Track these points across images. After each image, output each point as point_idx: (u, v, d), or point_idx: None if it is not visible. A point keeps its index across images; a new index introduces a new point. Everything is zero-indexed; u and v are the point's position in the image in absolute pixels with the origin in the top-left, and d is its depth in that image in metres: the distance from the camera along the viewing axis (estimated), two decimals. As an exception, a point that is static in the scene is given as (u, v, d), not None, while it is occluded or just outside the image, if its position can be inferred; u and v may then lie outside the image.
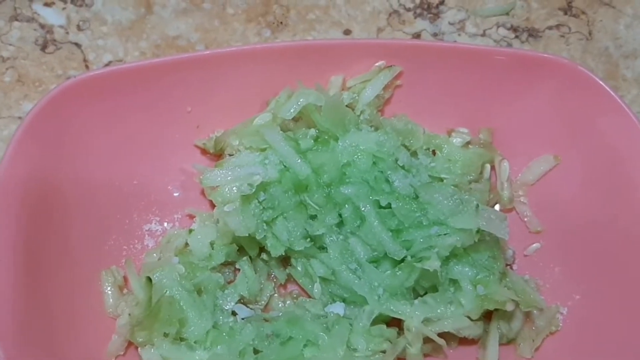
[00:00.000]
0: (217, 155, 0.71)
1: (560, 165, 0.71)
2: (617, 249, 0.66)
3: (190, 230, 0.68)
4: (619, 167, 0.67)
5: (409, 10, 0.80)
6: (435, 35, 0.79)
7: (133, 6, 0.79)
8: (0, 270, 0.60)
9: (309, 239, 0.65)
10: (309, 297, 0.68)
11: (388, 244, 0.64)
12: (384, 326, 0.64)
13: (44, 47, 0.77)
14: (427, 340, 0.64)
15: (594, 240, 0.68)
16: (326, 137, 0.67)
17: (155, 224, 0.70)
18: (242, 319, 0.66)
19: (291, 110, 0.67)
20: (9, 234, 0.61)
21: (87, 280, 0.66)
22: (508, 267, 0.69)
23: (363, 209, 0.64)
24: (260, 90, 0.71)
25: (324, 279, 0.66)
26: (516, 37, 0.79)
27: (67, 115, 0.65)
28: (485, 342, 0.66)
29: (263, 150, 0.66)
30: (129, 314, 0.64)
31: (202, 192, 0.70)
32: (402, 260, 0.64)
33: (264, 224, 0.65)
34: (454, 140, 0.71)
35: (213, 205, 0.68)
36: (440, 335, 0.63)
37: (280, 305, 0.68)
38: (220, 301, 0.66)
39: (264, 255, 0.68)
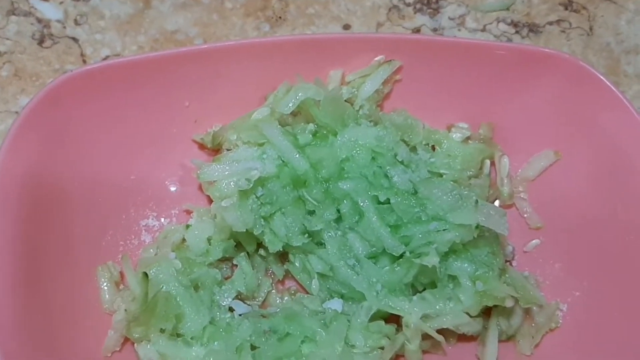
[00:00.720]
0: (214, 150, 0.71)
1: (561, 161, 0.70)
2: (618, 246, 0.66)
3: (188, 226, 0.67)
4: (620, 163, 0.66)
5: (408, 5, 0.79)
6: (435, 30, 0.78)
7: (131, 0, 0.78)
8: None
9: (307, 235, 0.65)
10: (307, 293, 0.68)
11: (387, 239, 0.63)
12: (383, 322, 0.64)
13: (41, 42, 0.76)
14: (425, 336, 0.64)
15: (595, 237, 0.67)
16: (325, 132, 0.66)
17: (152, 219, 0.70)
18: (240, 315, 0.65)
19: (289, 105, 0.66)
20: (6, 228, 0.61)
21: (84, 276, 0.66)
22: (507, 263, 0.69)
23: (362, 204, 0.64)
24: (258, 84, 0.70)
25: (322, 275, 0.66)
26: (516, 32, 0.79)
27: (63, 109, 0.65)
28: (485, 338, 0.65)
29: (261, 145, 0.66)
30: (125, 310, 0.63)
31: (200, 188, 0.70)
32: (401, 256, 0.64)
33: (262, 220, 0.64)
34: (454, 136, 0.70)
35: (210, 201, 0.68)
36: (439, 331, 0.63)
37: (277, 301, 0.68)
38: (218, 297, 0.65)
39: (261, 251, 0.68)
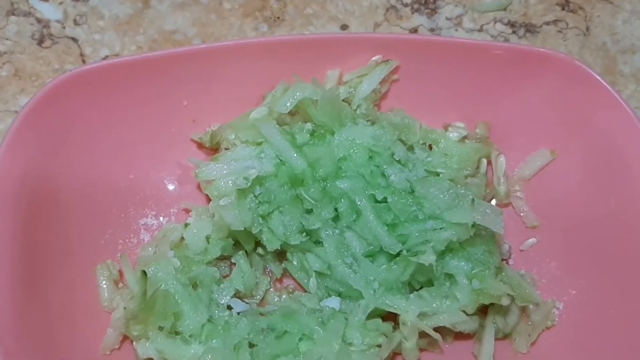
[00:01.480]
0: (213, 149, 0.71)
1: (557, 160, 0.70)
2: (614, 244, 0.66)
3: (186, 225, 0.68)
4: (616, 162, 0.67)
5: (406, 5, 0.79)
6: (432, 30, 0.78)
7: (130, 0, 0.78)
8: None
9: (304, 233, 0.65)
10: (305, 291, 0.68)
11: (384, 238, 0.64)
12: (380, 320, 0.64)
13: (40, 42, 0.77)
14: (422, 334, 0.64)
15: (591, 235, 0.68)
16: (322, 131, 0.66)
17: (151, 218, 0.70)
18: (238, 313, 0.66)
19: (287, 104, 0.67)
20: (5, 227, 0.61)
21: (83, 275, 0.66)
22: (504, 261, 0.69)
23: (359, 203, 0.64)
24: (256, 84, 0.70)
25: (319, 273, 0.66)
26: (513, 32, 0.79)
27: (62, 109, 0.65)
28: (481, 336, 0.66)
29: (259, 144, 0.66)
30: (124, 308, 0.64)
31: (198, 186, 0.71)
32: (398, 254, 0.64)
33: (260, 218, 0.65)
34: (451, 135, 0.70)
35: (209, 200, 0.68)
36: (436, 329, 0.63)
37: (276, 299, 0.69)
38: (216, 295, 0.65)
39: (259, 250, 0.68)
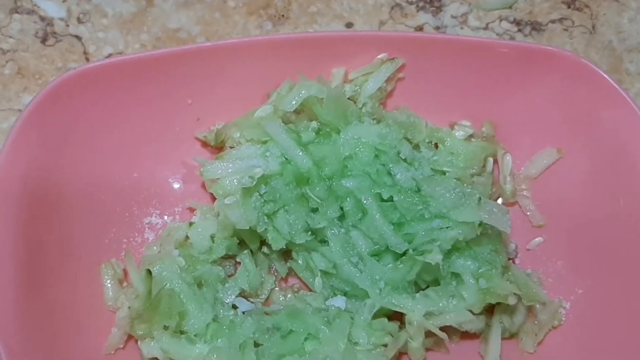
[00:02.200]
0: (218, 147, 0.70)
1: (564, 159, 0.70)
2: (621, 243, 0.66)
3: (191, 224, 0.67)
4: (622, 161, 0.66)
5: (411, 3, 0.79)
6: (437, 28, 0.78)
7: (134, -2, 0.79)
8: (0, 264, 0.59)
9: (310, 232, 0.65)
10: (310, 290, 0.68)
11: (390, 237, 0.63)
12: (386, 320, 0.64)
13: (44, 40, 0.76)
14: (429, 334, 0.63)
15: (597, 235, 0.67)
16: (328, 130, 0.66)
17: (155, 217, 0.70)
18: (243, 312, 0.65)
19: (292, 103, 0.66)
20: (9, 226, 0.61)
21: (87, 274, 0.65)
22: (510, 261, 0.69)
23: (365, 202, 0.64)
24: (261, 82, 0.70)
25: (325, 273, 0.66)
26: (519, 30, 0.79)
27: (66, 107, 0.65)
28: (488, 336, 0.65)
29: (264, 142, 0.66)
30: (129, 307, 0.63)
31: (203, 185, 0.70)
32: (404, 253, 0.64)
33: (265, 217, 0.64)
34: (457, 134, 0.70)
35: (214, 199, 0.68)
36: (442, 329, 0.63)
37: (281, 298, 0.68)
38: (221, 294, 0.65)
39: (264, 249, 0.68)
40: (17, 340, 0.58)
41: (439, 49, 0.69)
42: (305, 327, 0.63)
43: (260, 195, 0.64)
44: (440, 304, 0.63)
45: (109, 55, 0.76)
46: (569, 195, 0.69)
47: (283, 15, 0.78)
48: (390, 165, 0.65)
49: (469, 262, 0.63)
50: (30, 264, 0.61)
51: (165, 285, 0.62)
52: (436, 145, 0.71)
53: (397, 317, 0.65)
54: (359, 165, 0.65)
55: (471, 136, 0.71)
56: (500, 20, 0.79)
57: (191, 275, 0.64)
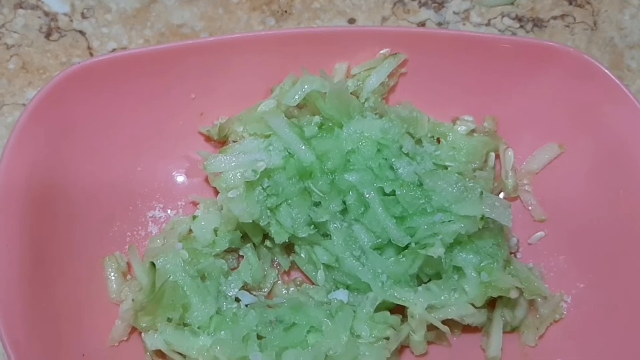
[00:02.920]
0: (221, 142, 0.70)
1: (565, 154, 0.70)
2: (622, 238, 0.66)
3: (194, 217, 0.67)
4: (624, 156, 0.66)
5: (413, -1, 0.79)
6: (439, 24, 0.78)
7: (137, -6, 0.79)
8: (5, 257, 0.60)
9: (312, 226, 0.65)
10: (313, 284, 0.68)
11: (392, 230, 0.63)
12: (388, 313, 0.64)
13: (48, 35, 0.76)
14: (430, 327, 0.64)
15: (599, 229, 0.67)
16: (330, 124, 0.66)
17: (159, 210, 0.70)
18: (246, 305, 0.65)
19: (295, 97, 0.66)
20: (14, 220, 0.61)
21: (91, 267, 0.66)
22: (512, 255, 0.69)
23: (367, 195, 0.64)
24: (264, 77, 0.70)
25: (327, 266, 0.66)
26: (521, 26, 0.79)
27: (70, 102, 0.65)
28: (489, 329, 0.66)
29: (267, 136, 0.66)
30: (133, 300, 0.64)
31: (206, 179, 0.70)
32: (406, 247, 0.64)
33: (268, 211, 0.64)
34: (459, 128, 0.70)
35: (217, 192, 0.68)
36: (444, 322, 0.63)
37: (283, 292, 0.68)
38: (224, 287, 0.65)
39: (267, 242, 0.68)
40: (22, 333, 0.58)
41: (441, 44, 0.69)
42: (307, 319, 0.63)
43: (263, 189, 0.64)
44: (442, 297, 0.63)
45: (113, 51, 0.76)
46: (570, 190, 0.69)
47: (286, 11, 0.78)
48: (393, 160, 0.65)
49: (471, 256, 0.63)
50: (34, 259, 0.61)
51: (169, 277, 0.62)
52: (438, 140, 0.71)
53: (399, 310, 0.65)
54: (362, 159, 0.65)
55: (473, 131, 0.70)
56: (502, 17, 0.79)
57: (194, 268, 0.64)
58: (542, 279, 0.68)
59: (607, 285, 0.66)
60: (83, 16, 0.77)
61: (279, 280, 0.69)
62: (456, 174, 0.65)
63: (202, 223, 0.66)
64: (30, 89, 0.74)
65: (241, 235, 0.67)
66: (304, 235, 0.65)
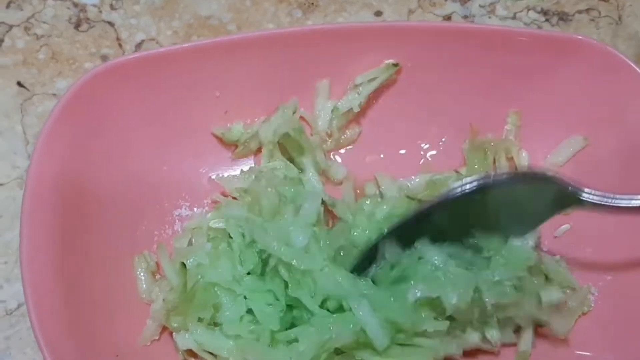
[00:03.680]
0: (233, 144, 0.69)
1: (590, 147, 0.67)
2: (648, 229, 0.62)
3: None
4: (649, 149, 0.62)
5: (439, -8, 0.78)
6: (465, 17, 0.76)
7: (165, -15, 0.75)
8: (39, 255, 0.57)
9: None
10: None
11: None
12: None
13: (77, 26, 0.74)
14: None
15: (624, 220, 0.64)
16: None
17: (185, 209, 0.67)
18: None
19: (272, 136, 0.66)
20: (44, 218, 0.58)
21: (121, 266, 0.63)
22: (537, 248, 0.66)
23: None
24: (289, 73, 0.67)
25: None
26: (546, 20, 0.77)
27: (98, 100, 0.62)
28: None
29: None
30: (163, 300, 0.60)
31: (231, 177, 0.67)
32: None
33: None
34: None
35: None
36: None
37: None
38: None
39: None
40: (56, 333, 0.55)
41: (465, 38, 0.66)
42: None
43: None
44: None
45: (141, 42, 0.73)
46: (595, 183, 0.69)
47: (312, 3, 0.77)
48: None
49: None
50: (66, 258, 0.58)
51: (200, 279, 0.59)
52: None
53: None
54: None
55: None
56: (528, 10, 0.77)
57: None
58: (569, 271, 0.65)
59: (634, 277, 0.63)
60: (112, 7, 0.75)
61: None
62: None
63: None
64: (60, 79, 0.71)
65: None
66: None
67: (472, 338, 0.61)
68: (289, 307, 0.59)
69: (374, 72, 0.68)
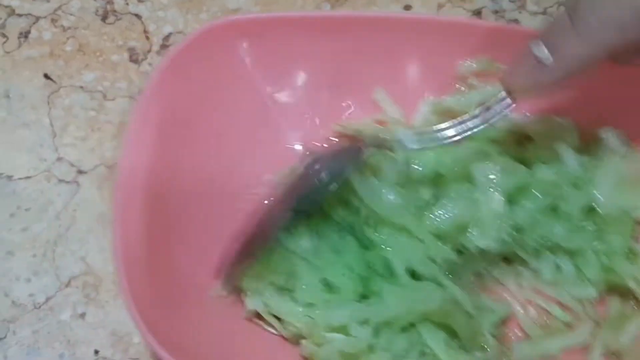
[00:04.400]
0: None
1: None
2: None
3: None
4: None
5: (470, -14, 0.77)
6: (495, 12, 0.75)
7: (193, -22, 0.73)
8: (131, 244, 0.55)
9: None
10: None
11: None
12: None
13: (104, 18, 0.73)
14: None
15: None
16: None
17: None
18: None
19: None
20: (136, 207, 0.56)
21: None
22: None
23: None
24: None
25: None
26: (577, 16, 0.77)
27: (182, 87, 0.61)
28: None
29: None
30: None
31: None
32: None
33: None
34: None
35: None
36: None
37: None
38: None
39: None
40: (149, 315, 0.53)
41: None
42: None
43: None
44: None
45: (169, 35, 0.72)
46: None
47: (342, -5, 0.76)
48: None
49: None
50: (155, 244, 0.57)
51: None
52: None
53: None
54: None
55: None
56: (558, 5, 0.76)
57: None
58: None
59: None
60: (139, 0, 0.75)
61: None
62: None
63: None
64: (87, 71, 0.69)
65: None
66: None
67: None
68: (364, 279, 0.57)
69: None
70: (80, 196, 0.66)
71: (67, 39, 0.71)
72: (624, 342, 0.57)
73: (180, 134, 0.61)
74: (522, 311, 0.60)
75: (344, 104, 0.67)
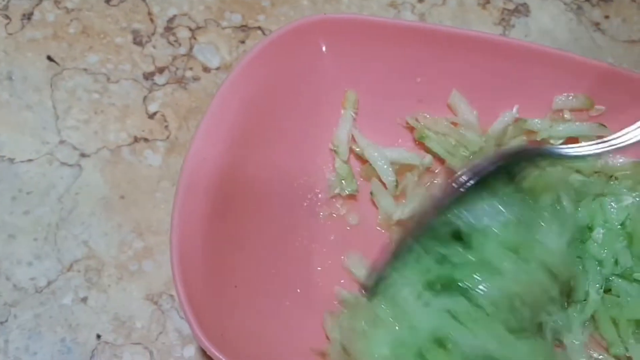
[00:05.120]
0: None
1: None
2: None
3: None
4: None
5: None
6: None
7: (197, -41, 0.73)
8: (188, 238, 0.54)
9: None
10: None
11: None
12: None
13: (108, 0, 0.73)
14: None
15: None
16: None
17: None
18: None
19: None
20: (198, 204, 0.55)
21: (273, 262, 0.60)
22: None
23: None
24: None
25: None
26: (587, 0, 0.76)
27: (253, 90, 0.59)
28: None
29: None
30: None
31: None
32: None
33: None
34: None
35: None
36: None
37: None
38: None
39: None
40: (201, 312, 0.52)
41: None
42: None
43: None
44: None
45: (173, 17, 0.72)
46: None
47: None
48: None
49: None
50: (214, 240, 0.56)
51: None
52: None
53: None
54: None
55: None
56: (568, -10, 0.76)
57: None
58: None
59: None
60: None
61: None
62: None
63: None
64: (91, 54, 0.68)
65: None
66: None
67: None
68: None
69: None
70: (83, 180, 0.64)
71: (71, 20, 0.70)
72: None
73: (252, 132, 0.59)
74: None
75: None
